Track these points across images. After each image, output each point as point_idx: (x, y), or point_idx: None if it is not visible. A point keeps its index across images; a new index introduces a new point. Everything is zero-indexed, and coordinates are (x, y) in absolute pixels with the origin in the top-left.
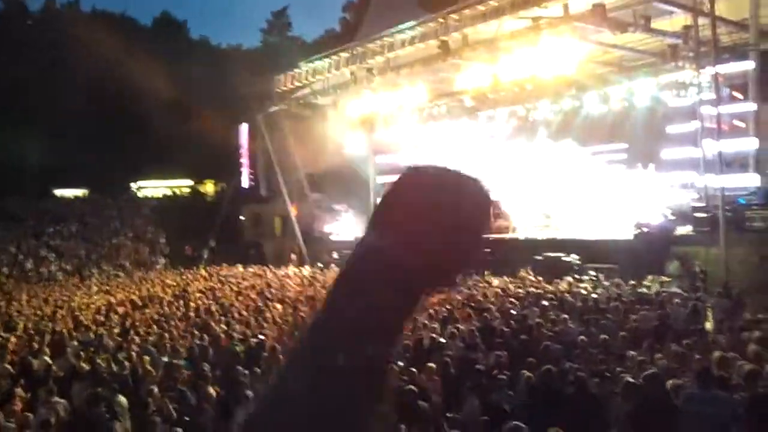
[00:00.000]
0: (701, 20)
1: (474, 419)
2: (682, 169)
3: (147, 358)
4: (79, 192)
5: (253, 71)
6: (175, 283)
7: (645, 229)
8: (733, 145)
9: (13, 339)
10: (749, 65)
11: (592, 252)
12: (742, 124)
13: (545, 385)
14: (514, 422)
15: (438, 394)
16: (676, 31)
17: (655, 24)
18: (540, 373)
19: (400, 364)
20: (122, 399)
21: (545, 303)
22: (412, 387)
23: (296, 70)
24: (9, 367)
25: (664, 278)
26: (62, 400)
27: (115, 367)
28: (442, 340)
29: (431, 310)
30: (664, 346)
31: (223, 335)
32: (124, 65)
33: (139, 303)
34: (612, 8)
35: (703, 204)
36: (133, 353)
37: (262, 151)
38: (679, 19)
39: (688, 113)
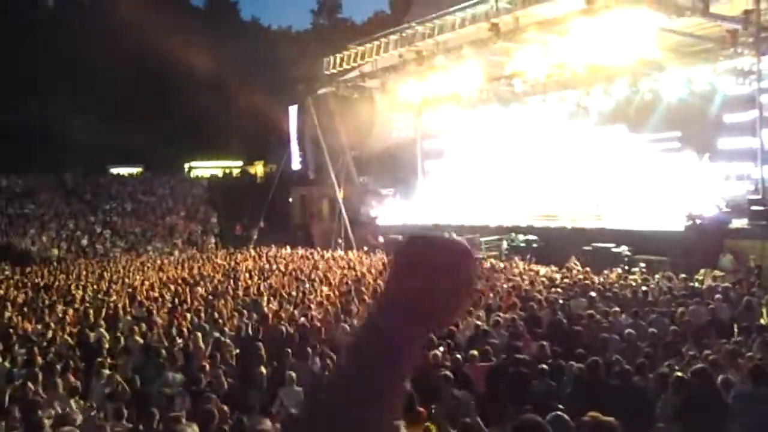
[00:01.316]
0: (763, 4)
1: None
2: (738, 160)
3: (198, 334)
4: (134, 170)
5: (303, 53)
6: (225, 263)
7: (698, 221)
8: None
9: (70, 312)
10: None
11: (643, 243)
12: None
13: (590, 377)
14: (556, 413)
15: (481, 382)
16: (735, 16)
17: (714, 8)
18: (586, 365)
19: (441, 350)
20: (177, 375)
21: (593, 294)
22: (448, 374)
23: (345, 52)
24: (68, 338)
25: (717, 272)
26: (117, 375)
27: (167, 342)
28: (486, 328)
29: (476, 298)
30: (714, 341)
31: (271, 315)
32: (177, 46)
33: (191, 281)
34: None
35: (759, 196)
36: (185, 329)
37: (310, 133)
38: (739, 3)
39: (746, 101)
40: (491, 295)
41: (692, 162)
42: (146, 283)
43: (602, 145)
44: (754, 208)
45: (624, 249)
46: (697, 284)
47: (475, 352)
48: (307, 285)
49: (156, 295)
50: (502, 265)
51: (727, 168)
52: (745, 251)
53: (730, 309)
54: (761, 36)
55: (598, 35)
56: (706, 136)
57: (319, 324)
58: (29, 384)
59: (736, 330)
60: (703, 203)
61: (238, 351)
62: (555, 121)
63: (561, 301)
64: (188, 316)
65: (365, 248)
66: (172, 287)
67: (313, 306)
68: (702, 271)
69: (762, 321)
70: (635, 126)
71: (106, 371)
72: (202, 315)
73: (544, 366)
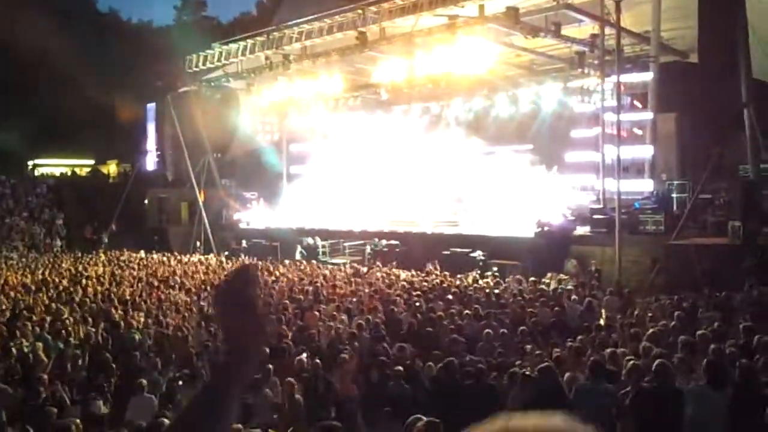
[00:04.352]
0: (607, 30)
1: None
2: (583, 172)
3: (40, 344)
4: None
5: (164, 49)
6: (72, 267)
7: (546, 228)
8: (631, 152)
9: None
10: (649, 76)
11: (497, 248)
12: (640, 132)
13: (446, 377)
14: (415, 415)
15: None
16: (583, 39)
17: (565, 31)
18: (442, 365)
19: (305, 356)
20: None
21: (450, 297)
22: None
23: (209, 51)
24: None
25: (563, 276)
26: None
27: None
28: (354, 331)
29: (339, 303)
30: (560, 340)
31: (122, 322)
32: (21, 35)
33: (32, 287)
34: (525, 12)
35: (600, 206)
36: (25, 340)
37: (170, 133)
38: (587, 28)
39: (591, 119)
40: (353, 299)
41: (542, 173)
42: None
43: (461, 156)
44: (595, 216)
45: (479, 254)
46: (544, 287)
47: (345, 356)
48: (163, 290)
49: None
50: (365, 269)
51: (573, 179)
52: (587, 256)
53: (576, 310)
54: (605, 59)
55: (459, 50)
56: (556, 150)
57: (175, 331)
58: None
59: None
60: (551, 212)
61: (84, 361)
62: (417, 130)
63: (419, 305)
64: (29, 325)
65: (226, 252)
66: (12, 294)
67: (168, 312)
68: (549, 275)
69: (601, 321)
70: (492, 138)
71: None
72: (46, 324)
73: (400, 368)
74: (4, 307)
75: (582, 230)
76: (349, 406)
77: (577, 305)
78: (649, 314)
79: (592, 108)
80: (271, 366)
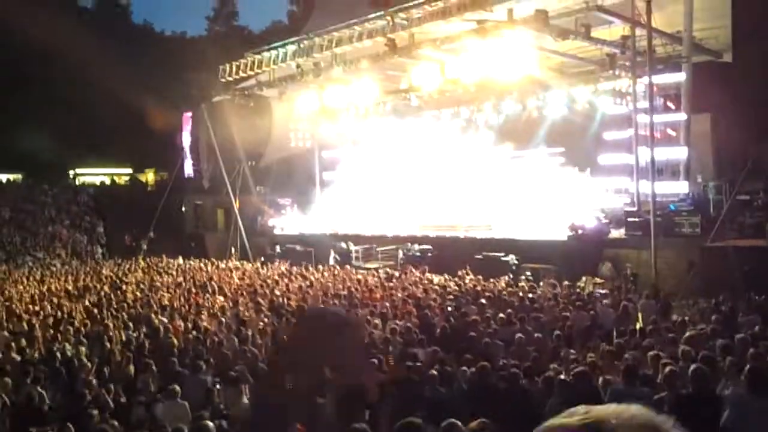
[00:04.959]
0: (638, 31)
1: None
2: (616, 175)
3: (82, 349)
4: (12, 176)
5: (198, 60)
6: (112, 274)
7: (579, 232)
8: (665, 153)
9: None
10: (681, 77)
11: (530, 252)
12: (674, 133)
13: (480, 381)
14: (450, 420)
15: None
16: (614, 41)
17: (595, 33)
18: (476, 369)
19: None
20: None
21: (483, 301)
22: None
23: (242, 61)
24: None
25: (597, 279)
26: None
27: (48, 358)
28: (387, 336)
29: (372, 307)
30: (595, 344)
31: (161, 328)
32: (63, 48)
33: (75, 293)
34: (554, 15)
35: (635, 209)
36: (68, 344)
37: (205, 141)
38: (618, 29)
39: (623, 120)
40: (387, 304)
41: (575, 176)
42: (25, 296)
43: (492, 159)
44: (630, 219)
45: (512, 258)
46: (579, 290)
47: (375, 360)
48: (200, 296)
49: (36, 308)
50: (397, 274)
51: (607, 182)
52: (622, 260)
53: (609, 314)
54: (636, 60)
55: (489, 54)
56: (588, 152)
57: (211, 336)
58: None
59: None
60: (584, 215)
61: (125, 366)
62: (449, 135)
63: (452, 309)
64: (71, 329)
65: (262, 258)
66: (55, 300)
67: (205, 317)
68: (584, 278)
69: (638, 325)
70: (523, 141)
71: None
72: (88, 329)
73: (434, 372)
74: (48, 312)
75: (616, 233)
76: (382, 410)
77: (609, 309)
78: (687, 318)
79: (624, 110)
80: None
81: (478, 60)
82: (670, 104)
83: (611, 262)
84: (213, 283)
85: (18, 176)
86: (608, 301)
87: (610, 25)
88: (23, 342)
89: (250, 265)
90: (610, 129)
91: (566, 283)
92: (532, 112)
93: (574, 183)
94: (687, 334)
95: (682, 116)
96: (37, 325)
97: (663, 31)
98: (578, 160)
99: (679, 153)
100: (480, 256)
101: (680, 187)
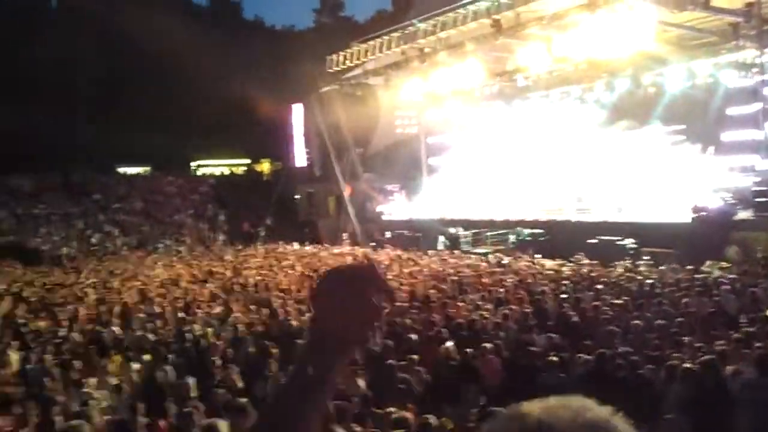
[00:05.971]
0: None
1: None
2: (742, 152)
3: (210, 330)
4: (141, 169)
5: (306, 52)
6: (234, 259)
7: (703, 213)
8: None
9: (82, 310)
10: None
11: (648, 236)
12: None
13: (598, 368)
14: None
15: (492, 375)
16: (737, 9)
17: (715, 1)
18: (594, 357)
19: (450, 343)
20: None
21: (600, 287)
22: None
23: (348, 51)
24: (80, 335)
25: (724, 264)
26: (135, 366)
27: (179, 339)
28: (498, 320)
29: (484, 292)
30: (721, 332)
31: (281, 310)
32: (181, 45)
33: (200, 277)
34: None
35: (765, 188)
36: (196, 326)
37: (315, 131)
38: None
39: (749, 94)
40: (499, 289)
41: (697, 155)
42: (155, 280)
43: (606, 139)
44: (759, 199)
45: (629, 242)
46: (703, 275)
47: (487, 345)
48: (316, 280)
49: (167, 292)
50: (507, 259)
51: (732, 160)
52: (751, 243)
53: (736, 300)
54: (763, 29)
55: (600, 30)
56: (710, 129)
57: None
58: (44, 380)
59: (742, 321)
60: (708, 196)
61: (251, 347)
62: (558, 116)
63: (566, 295)
64: (199, 312)
65: (372, 243)
66: (183, 284)
67: None
68: (708, 263)
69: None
70: (639, 120)
71: (117, 366)
72: (215, 311)
73: (554, 358)
74: (178, 296)
75: (744, 214)
76: (496, 394)
77: (731, 295)
78: None
79: (750, 83)
80: (416, 356)
81: (588, 36)
82: None
83: (739, 245)
84: (328, 267)
85: (146, 169)
86: (728, 286)
87: None
88: (158, 323)
89: (360, 250)
90: (735, 104)
91: (689, 267)
92: (647, 88)
93: (696, 162)
94: None
95: None
96: (167, 308)
97: None
98: (699, 137)
99: None
100: (594, 240)
101: None
